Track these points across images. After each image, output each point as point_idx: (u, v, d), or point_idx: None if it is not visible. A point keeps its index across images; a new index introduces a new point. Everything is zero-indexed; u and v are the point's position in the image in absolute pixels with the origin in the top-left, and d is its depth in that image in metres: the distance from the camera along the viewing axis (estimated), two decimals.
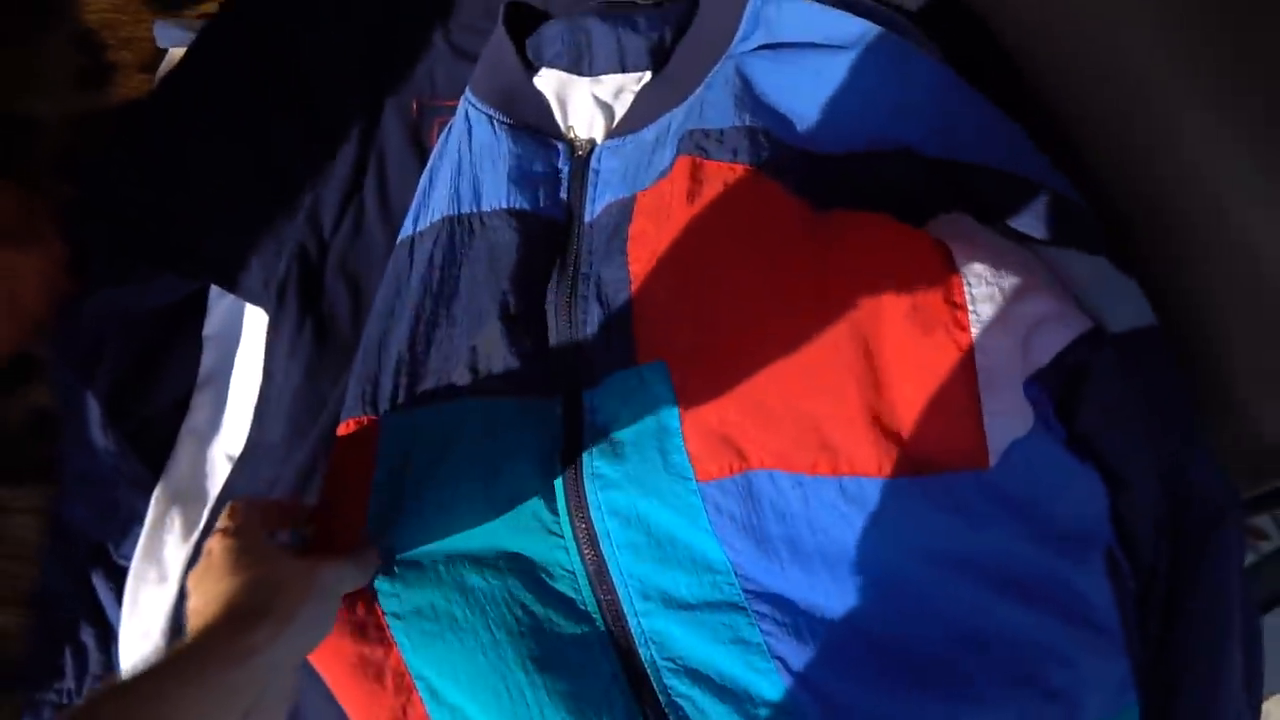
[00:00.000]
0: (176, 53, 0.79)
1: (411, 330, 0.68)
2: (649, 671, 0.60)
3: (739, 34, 0.74)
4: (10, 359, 0.74)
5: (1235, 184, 0.60)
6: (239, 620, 0.50)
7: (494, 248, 0.69)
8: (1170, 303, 0.65)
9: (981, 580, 0.59)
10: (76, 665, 0.67)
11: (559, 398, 0.65)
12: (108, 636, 0.68)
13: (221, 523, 0.56)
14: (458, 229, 0.71)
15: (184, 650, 0.47)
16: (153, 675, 0.45)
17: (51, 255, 0.75)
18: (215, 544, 0.55)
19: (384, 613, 0.61)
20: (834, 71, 0.70)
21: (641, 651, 0.60)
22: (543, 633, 0.60)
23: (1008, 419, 0.59)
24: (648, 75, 0.75)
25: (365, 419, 0.66)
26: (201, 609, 0.51)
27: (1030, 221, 0.65)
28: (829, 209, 0.67)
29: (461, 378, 0.65)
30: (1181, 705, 0.63)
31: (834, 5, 0.73)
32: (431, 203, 0.73)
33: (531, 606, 0.61)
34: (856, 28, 0.70)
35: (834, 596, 0.60)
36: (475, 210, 0.71)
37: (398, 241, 0.72)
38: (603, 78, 0.75)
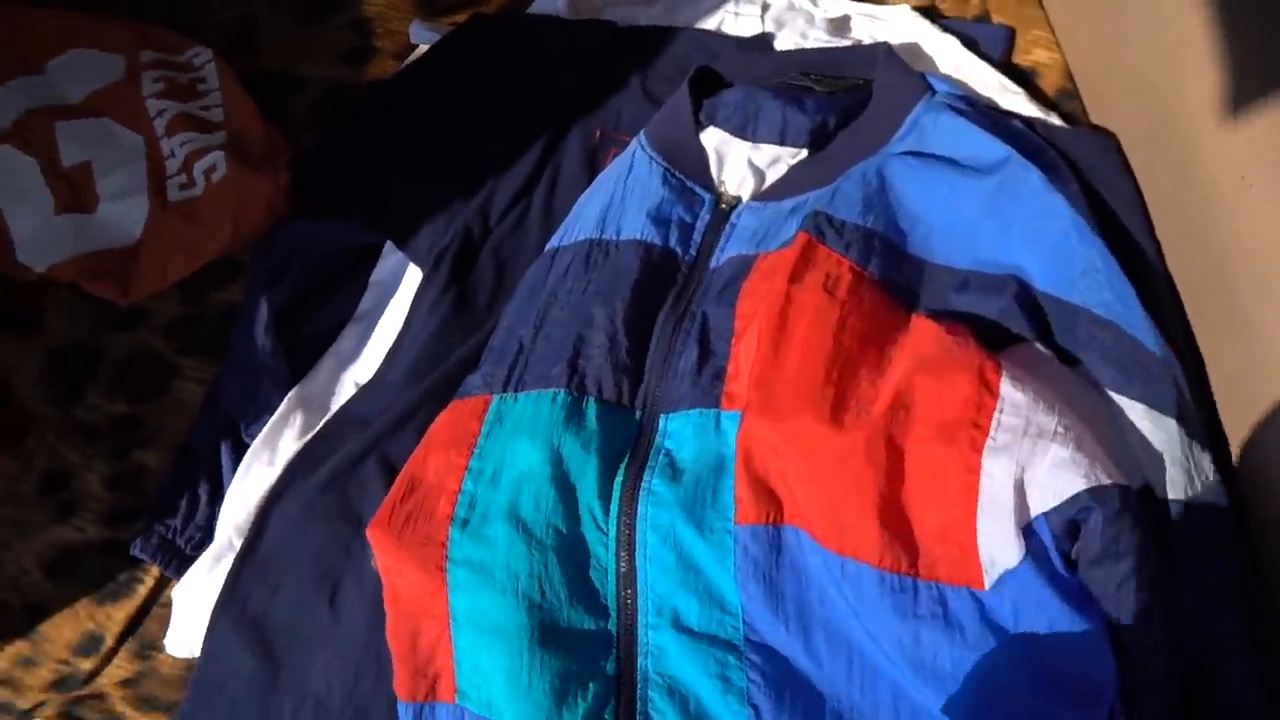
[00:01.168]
0: (423, 49, 0.94)
1: (535, 326, 0.77)
2: (638, 678, 0.65)
3: (896, 135, 0.80)
4: (222, 259, 0.90)
5: None
6: None
7: (618, 270, 0.77)
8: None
9: (969, 702, 0.61)
10: (187, 511, 0.80)
11: (639, 413, 0.72)
12: (217, 496, 0.80)
13: None
14: (595, 251, 0.79)
15: None
16: None
17: (278, 184, 0.90)
18: None
19: (447, 555, 0.69)
20: (968, 190, 0.75)
21: (639, 659, 0.65)
22: (558, 612, 0.66)
23: (999, 546, 0.61)
24: (804, 153, 0.81)
25: (482, 398, 0.75)
26: None
27: (1111, 371, 0.67)
28: (915, 310, 0.71)
29: (560, 372, 0.73)
30: None
31: (989, 124, 0.77)
32: (580, 222, 0.82)
33: (557, 586, 0.67)
34: (999, 153, 0.75)
35: (824, 668, 0.63)
36: (615, 238, 0.80)
37: (545, 250, 0.82)
38: (762, 145, 0.82)
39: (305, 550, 0.75)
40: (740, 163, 0.82)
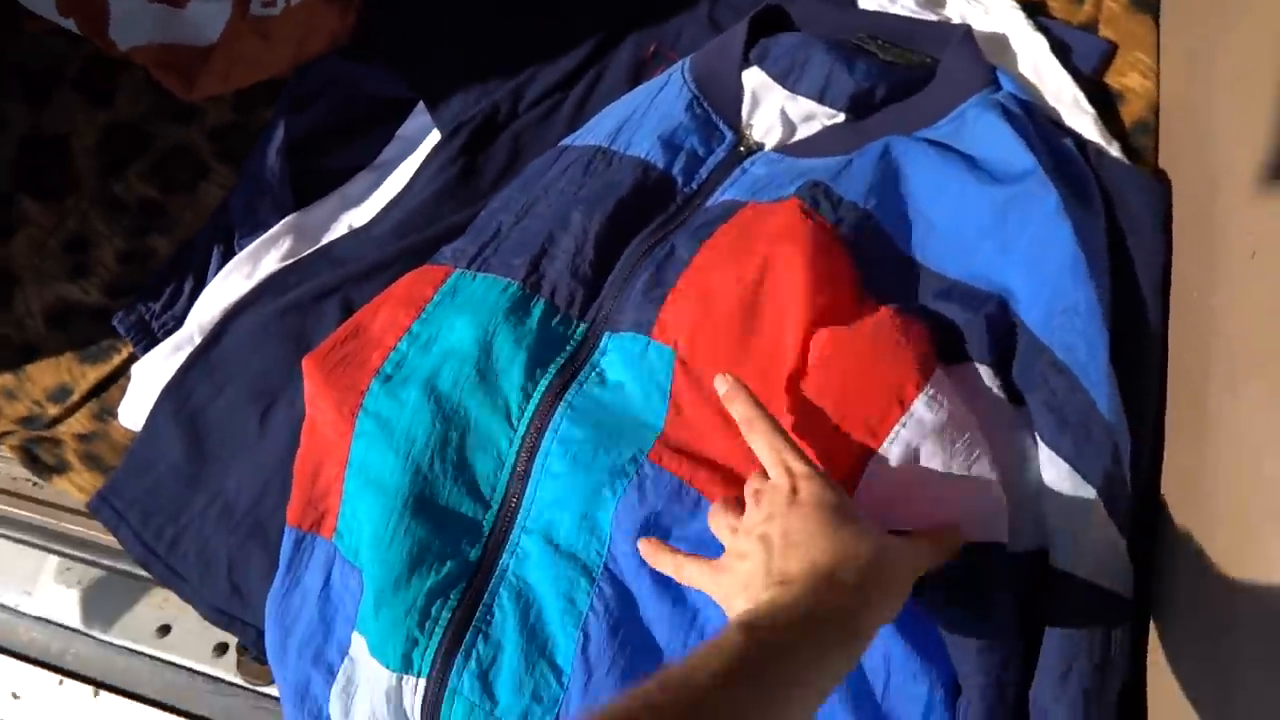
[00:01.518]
0: None
1: (517, 215, 0.77)
2: (496, 572, 0.66)
3: (940, 121, 0.75)
4: (277, 80, 0.93)
5: None
6: (847, 599, 0.48)
7: (610, 183, 0.76)
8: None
9: None
10: (168, 299, 0.85)
11: (584, 326, 0.72)
12: (197, 293, 0.84)
13: (804, 466, 0.54)
14: (598, 159, 0.79)
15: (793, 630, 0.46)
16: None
17: (346, 22, 0.92)
18: (805, 484, 0.53)
19: (362, 405, 0.71)
20: (979, 195, 0.71)
21: (504, 555, 0.66)
22: (440, 487, 0.68)
23: None
24: (840, 116, 0.78)
25: (445, 268, 0.76)
26: (800, 560, 0.49)
27: (1049, 420, 0.63)
28: (884, 302, 0.68)
29: (521, 265, 0.73)
30: None
31: (1036, 135, 0.72)
32: (597, 128, 0.81)
33: (448, 464, 0.68)
34: (1025, 164, 0.70)
35: (668, 624, 0.63)
36: (622, 151, 0.78)
37: (558, 145, 0.82)
38: (799, 98, 0.79)
39: (253, 364, 0.79)
40: (773, 110, 0.79)
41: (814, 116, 0.79)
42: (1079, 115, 0.78)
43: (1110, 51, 0.83)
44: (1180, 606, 0.58)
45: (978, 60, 0.77)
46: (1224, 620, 0.52)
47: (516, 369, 0.69)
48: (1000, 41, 0.83)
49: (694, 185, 0.77)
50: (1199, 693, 0.54)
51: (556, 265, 0.73)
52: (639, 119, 0.80)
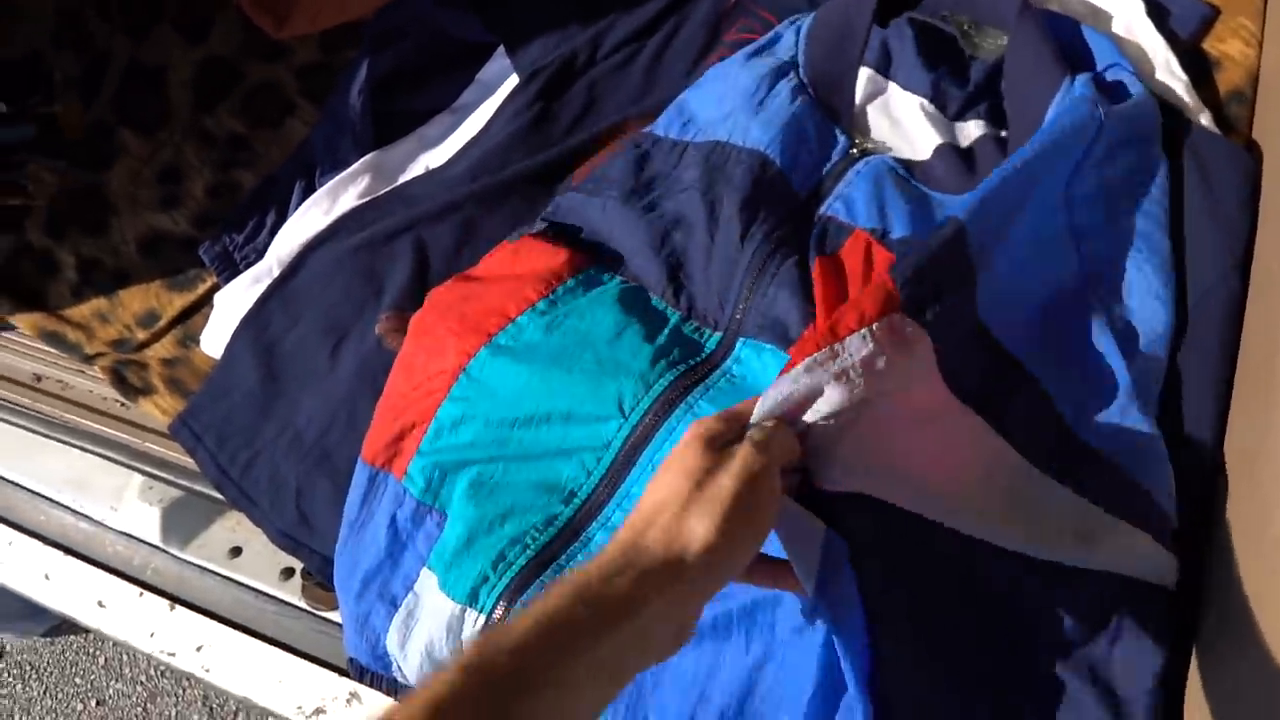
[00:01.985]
0: None
1: (642, 209, 0.76)
2: (579, 540, 0.66)
3: (1036, 137, 0.71)
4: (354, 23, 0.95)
5: None
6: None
7: (730, 179, 0.74)
8: None
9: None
10: (251, 231, 0.88)
11: (720, 335, 0.71)
12: (279, 226, 0.87)
13: (761, 434, 0.51)
14: (715, 154, 0.77)
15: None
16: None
17: None
18: (684, 439, 0.51)
19: (465, 368, 0.70)
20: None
21: (593, 526, 0.66)
22: (541, 453, 0.68)
23: None
24: (929, 104, 0.76)
25: (580, 256, 0.75)
26: (719, 537, 0.47)
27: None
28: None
29: (659, 280, 0.73)
30: None
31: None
32: (711, 123, 0.79)
33: (553, 435, 0.68)
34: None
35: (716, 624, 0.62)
36: (741, 144, 0.76)
37: (669, 139, 0.79)
38: (895, 88, 0.78)
39: (327, 298, 0.81)
40: (878, 108, 0.78)
41: (909, 106, 0.77)
42: (1171, 80, 0.75)
43: (1211, 16, 0.79)
44: (1228, 597, 0.57)
45: (1039, 56, 0.73)
46: (1271, 614, 0.51)
47: (641, 361, 0.68)
48: (1091, 4, 0.80)
49: (809, 187, 0.75)
50: (1241, 685, 0.53)
51: (694, 282, 0.73)
52: (757, 114, 0.77)
